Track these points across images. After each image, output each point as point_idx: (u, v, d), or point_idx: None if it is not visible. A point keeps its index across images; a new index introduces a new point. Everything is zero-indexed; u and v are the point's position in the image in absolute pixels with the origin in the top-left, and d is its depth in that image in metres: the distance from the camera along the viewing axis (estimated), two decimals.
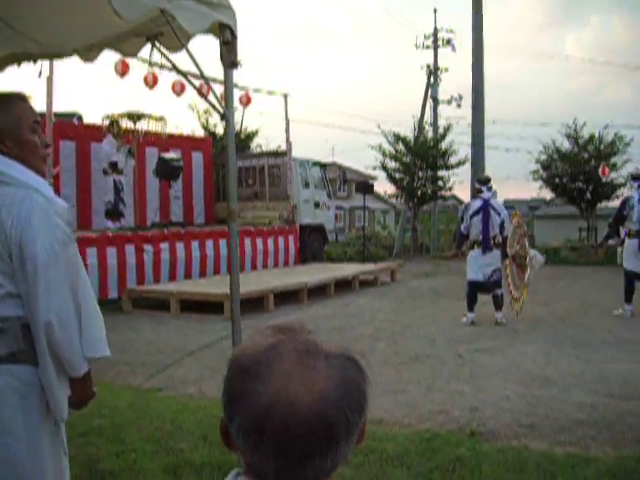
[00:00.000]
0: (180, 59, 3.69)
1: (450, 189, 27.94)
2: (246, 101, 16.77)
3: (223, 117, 3.54)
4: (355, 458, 4.49)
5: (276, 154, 20.13)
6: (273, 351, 1.04)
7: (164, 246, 13.41)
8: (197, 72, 3.69)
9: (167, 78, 13.15)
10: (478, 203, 10.63)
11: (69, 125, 15.24)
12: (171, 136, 16.83)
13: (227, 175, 3.84)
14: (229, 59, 3.48)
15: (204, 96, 3.67)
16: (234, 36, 3.49)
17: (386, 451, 4.60)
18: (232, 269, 3.75)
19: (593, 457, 4.67)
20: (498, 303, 10.39)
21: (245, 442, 1.02)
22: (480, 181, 11.13)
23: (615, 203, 29.41)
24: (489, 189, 10.67)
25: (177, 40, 3.37)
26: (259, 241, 16.03)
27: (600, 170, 26.53)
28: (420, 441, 4.86)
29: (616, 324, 10.33)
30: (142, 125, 15.02)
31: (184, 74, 3.82)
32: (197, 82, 4.50)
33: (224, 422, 1.07)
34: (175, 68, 3.69)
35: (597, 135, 27.96)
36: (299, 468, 0.99)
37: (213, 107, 3.63)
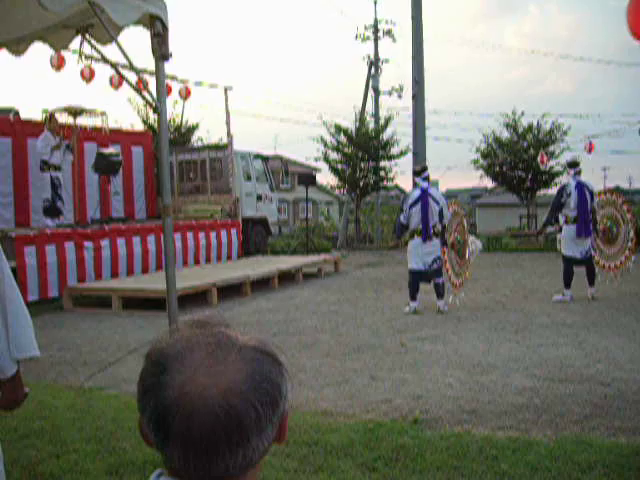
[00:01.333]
0: (116, 52, 3.62)
1: (392, 180, 28.14)
2: (186, 94, 16.57)
3: (155, 110, 3.49)
4: (299, 450, 4.49)
5: (217, 147, 19.98)
6: (185, 344, 1.03)
7: (105, 243, 13.19)
8: (136, 65, 3.62)
9: (105, 72, 12.92)
10: (417, 193, 10.71)
11: (4, 121, 14.87)
12: (110, 131, 16.56)
13: (160, 169, 3.78)
14: (160, 51, 3.43)
15: (135, 88, 3.61)
16: (165, 28, 3.44)
17: (330, 442, 4.60)
18: (167, 265, 3.70)
19: (534, 440, 4.74)
20: (439, 291, 10.50)
21: (156, 436, 1.01)
22: (414, 172, 11.23)
23: (554, 191, 30.02)
24: (425, 179, 10.75)
25: (107, 32, 3.30)
26: (201, 235, 15.89)
27: (539, 158, 27.00)
28: (364, 431, 4.87)
29: (556, 309, 10.53)
30: (82, 120, 14.74)
31: (114, 65, 3.76)
32: (134, 75, 4.43)
33: (140, 417, 1.05)
34: (104, 59, 3.62)
35: (535, 124, 28.47)
36: (208, 463, 0.98)
37: (145, 100, 3.58)
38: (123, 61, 3.84)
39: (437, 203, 10.50)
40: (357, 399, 5.86)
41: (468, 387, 6.21)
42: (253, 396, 0.98)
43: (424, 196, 10.51)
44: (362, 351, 7.79)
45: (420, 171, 11.00)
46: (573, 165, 12.07)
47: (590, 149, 26.32)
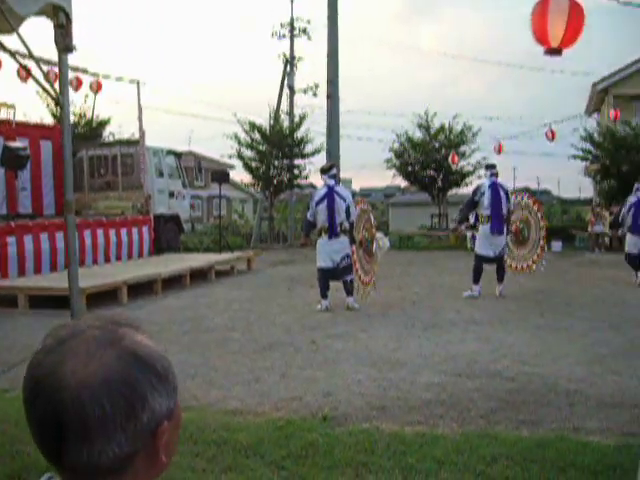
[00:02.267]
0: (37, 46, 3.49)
1: (306, 177, 28.22)
2: (97, 87, 16.21)
3: (57, 103, 3.39)
4: (208, 450, 4.45)
5: (129, 143, 19.58)
6: (71, 332, 1.02)
7: (11, 240, 12.75)
8: (47, 57, 3.51)
9: (14, 63, 12.48)
10: (323, 190, 10.77)
11: None
12: (18, 124, 16.05)
13: (64, 165, 3.67)
14: (64, 43, 3.33)
15: (37, 81, 3.50)
16: (69, 19, 3.34)
17: (239, 441, 4.57)
18: (70, 262, 3.60)
19: (441, 435, 4.83)
20: (348, 289, 10.58)
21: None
22: (322, 170, 11.26)
23: (464, 190, 30.73)
24: (332, 177, 10.81)
25: (7, 22, 3.19)
26: (112, 232, 15.54)
27: (450, 158, 27.58)
28: (274, 429, 4.86)
29: (464, 306, 10.76)
30: None
31: (13, 55, 3.63)
32: (43, 67, 4.29)
33: None
34: (2, 47, 3.49)
35: (447, 125, 29.03)
36: (58, 453, 0.98)
37: (47, 93, 3.47)
38: (42, 54, 3.73)
39: (344, 200, 10.55)
40: (267, 397, 5.85)
41: (377, 384, 6.27)
42: (103, 395, 0.96)
43: (330, 193, 10.56)
44: (273, 349, 7.78)
45: (327, 169, 11.06)
46: (489, 167, 12.41)
47: (499, 150, 27.01)
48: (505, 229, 11.92)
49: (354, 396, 5.87)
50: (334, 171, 10.95)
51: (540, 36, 6.95)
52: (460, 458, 4.34)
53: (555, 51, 7.14)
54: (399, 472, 4.14)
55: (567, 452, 4.42)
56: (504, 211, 11.79)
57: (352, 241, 10.65)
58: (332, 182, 10.73)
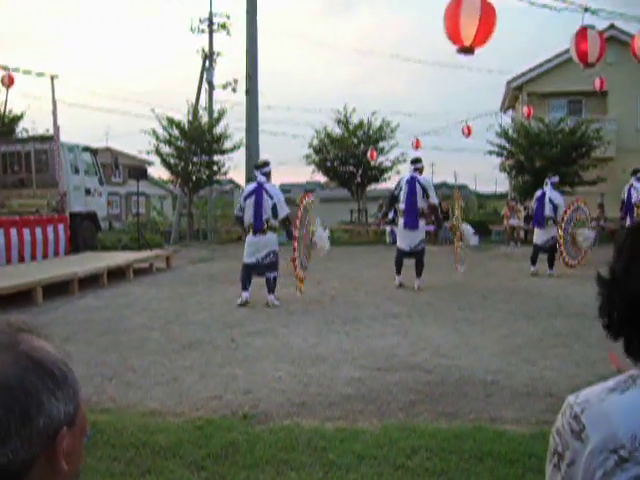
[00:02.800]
0: None
1: (225, 174, 28.03)
2: (8, 82, 15.75)
3: None
4: (126, 452, 4.37)
5: (43, 139, 19.07)
6: None
7: None
8: None
9: None
10: (252, 186, 10.74)
11: None
12: None
13: None
14: None
15: None
16: None
17: (158, 443, 4.50)
18: None
19: (361, 429, 4.87)
20: (270, 286, 10.55)
21: None
22: (256, 165, 11.24)
23: (383, 186, 31.12)
24: (265, 174, 10.76)
25: None
26: (26, 231, 15.07)
27: (369, 154, 27.81)
28: (193, 429, 4.81)
29: (383, 300, 10.87)
30: None
31: None
32: None
33: None
34: None
35: (366, 121, 29.25)
36: None
37: None
38: None
39: (271, 198, 10.52)
40: (186, 397, 5.77)
41: (298, 380, 6.27)
42: None
43: (259, 190, 10.52)
44: (192, 348, 7.68)
45: (261, 165, 11.03)
46: (413, 161, 12.59)
47: (417, 146, 27.42)
48: (420, 224, 12.05)
49: (274, 393, 5.85)
50: (267, 168, 10.87)
51: (453, 35, 7.07)
52: (380, 452, 4.38)
53: (467, 50, 7.28)
54: (320, 468, 4.14)
55: (484, 442, 4.52)
56: (419, 205, 11.93)
57: (289, 236, 10.70)
58: (262, 179, 10.68)
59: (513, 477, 4.02)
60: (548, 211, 14.15)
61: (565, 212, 13.98)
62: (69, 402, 1.03)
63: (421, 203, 11.93)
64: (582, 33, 9.18)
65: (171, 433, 4.71)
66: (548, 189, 14.48)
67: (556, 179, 15.06)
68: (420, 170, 12.20)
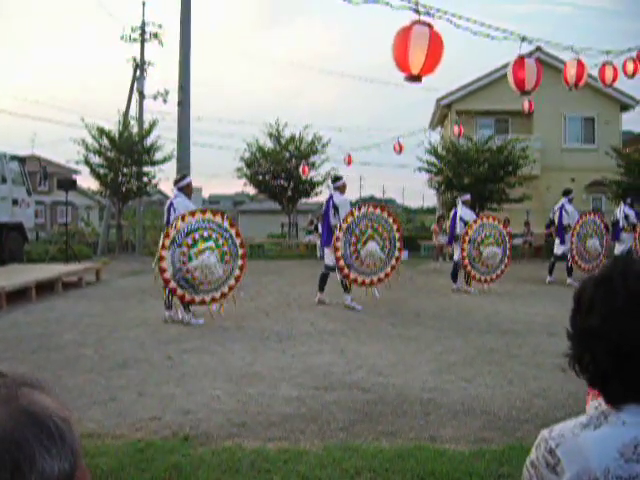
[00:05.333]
0: None
1: (156, 185, 27.77)
2: None
3: None
4: None
5: None
6: None
7: None
8: None
9: None
10: (168, 203, 10.80)
11: None
12: None
13: None
14: None
15: None
16: None
17: (99, 467, 4.41)
18: None
19: (303, 450, 4.87)
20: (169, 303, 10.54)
21: None
22: (174, 181, 11.15)
23: (314, 200, 31.29)
24: (180, 189, 10.66)
25: None
26: None
27: (301, 169, 27.91)
28: (134, 452, 4.73)
29: (318, 316, 10.91)
30: None
31: None
32: None
33: None
34: None
35: (298, 135, 29.40)
36: None
37: None
38: None
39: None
40: (125, 417, 5.67)
41: (236, 399, 6.23)
42: None
43: (169, 207, 10.54)
44: (128, 366, 7.55)
45: (177, 180, 10.94)
46: (333, 180, 12.71)
47: (349, 162, 27.65)
48: (330, 240, 12.10)
49: (214, 413, 5.80)
50: (183, 182, 10.77)
51: (401, 63, 7.18)
52: (324, 473, 4.40)
53: (415, 78, 7.40)
54: None
55: (426, 461, 4.58)
56: (332, 223, 12.04)
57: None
58: (176, 192, 10.68)
59: None
60: (459, 229, 14.57)
61: (467, 230, 14.34)
62: (64, 459, 1.01)
63: (334, 221, 12.04)
64: (519, 62, 9.45)
65: (112, 456, 4.62)
66: (459, 207, 14.91)
67: (467, 197, 15.50)
68: (340, 188, 12.27)
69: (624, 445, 1.26)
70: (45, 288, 13.53)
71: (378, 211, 12.45)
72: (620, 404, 1.32)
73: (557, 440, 1.33)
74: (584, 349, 1.37)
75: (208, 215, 10.47)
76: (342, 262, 11.83)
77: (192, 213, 10.32)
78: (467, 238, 14.26)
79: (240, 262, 10.69)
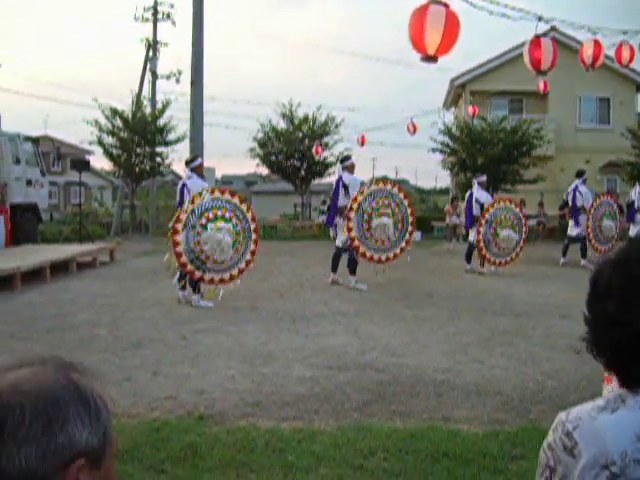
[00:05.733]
0: None
1: (169, 166, 27.80)
2: None
3: None
4: None
5: None
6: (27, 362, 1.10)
7: None
8: None
9: None
10: (180, 183, 10.88)
11: None
12: None
13: None
14: None
15: None
16: None
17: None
18: None
19: (317, 430, 4.89)
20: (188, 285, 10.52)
21: None
22: (185, 162, 11.15)
23: (327, 180, 31.25)
24: (192, 170, 10.71)
25: None
26: None
27: (314, 149, 27.85)
28: (150, 431, 4.77)
29: (331, 297, 10.93)
30: None
31: None
32: None
33: None
34: None
35: (311, 115, 29.32)
36: None
37: None
38: None
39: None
40: (140, 397, 5.71)
41: (251, 379, 6.27)
42: (27, 403, 1.00)
43: (182, 188, 10.57)
44: (142, 346, 7.59)
45: (189, 161, 10.97)
46: (341, 160, 12.72)
47: (362, 142, 27.57)
48: (337, 221, 12.11)
49: (228, 393, 5.84)
50: (196, 163, 10.80)
51: (417, 44, 7.14)
52: (338, 453, 4.42)
53: (431, 58, 7.36)
54: (280, 470, 4.16)
55: (439, 442, 4.59)
56: (340, 204, 12.01)
57: None
58: (189, 173, 10.77)
59: (469, 477, 4.10)
60: (476, 211, 14.47)
61: (484, 213, 14.21)
62: (94, 434, 1.04)
63: (343, 202, 11.99)
64: (536, 42, 9.37)
65: (127, 435, 4.65)
66: (475, 189, 14.79)
67: (483, 178, 15.36)
68: (349, 168, 12.24)
69: None
70: (59, 268, 13.59)
71: (389, 187, 12.39)
72: (638, 388, 1.32)
73: (574, 423, 1.33)
74: (601, 333, 1.37)
75: (227, 195, 10.47)
76: (353, 234, 11.77)
77: (212, 191, 10.38)
78: (483, 221, 14.17)
79: (253, 246, 10.67)
